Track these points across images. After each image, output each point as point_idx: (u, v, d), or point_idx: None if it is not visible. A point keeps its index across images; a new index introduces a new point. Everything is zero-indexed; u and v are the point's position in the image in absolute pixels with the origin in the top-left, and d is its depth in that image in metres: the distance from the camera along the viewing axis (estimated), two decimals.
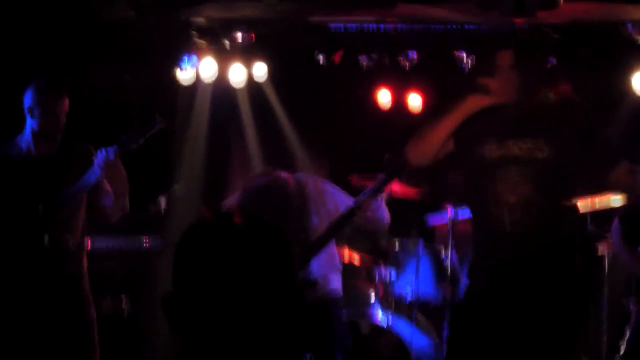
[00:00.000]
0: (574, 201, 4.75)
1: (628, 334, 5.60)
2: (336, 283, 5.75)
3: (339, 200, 6.01)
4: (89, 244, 7.30)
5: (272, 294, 1.94)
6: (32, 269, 5.32)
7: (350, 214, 5.74)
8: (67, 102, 5.46)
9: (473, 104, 4.66)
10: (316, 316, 5.44)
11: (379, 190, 5.77)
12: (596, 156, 4.63)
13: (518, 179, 4.55)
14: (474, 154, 4.69)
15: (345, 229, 5.86)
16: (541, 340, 4.57)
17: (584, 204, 6.07)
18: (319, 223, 5.83)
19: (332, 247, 5.97)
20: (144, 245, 7.59)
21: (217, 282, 1.92)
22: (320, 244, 5.66)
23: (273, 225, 2.01)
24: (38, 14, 7.19)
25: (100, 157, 5.19)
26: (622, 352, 5.86)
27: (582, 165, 4.59)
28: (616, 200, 5.88)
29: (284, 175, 5.80)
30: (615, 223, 5.50)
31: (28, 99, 5.41)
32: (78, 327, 5.46)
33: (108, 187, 5.45)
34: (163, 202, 7.91)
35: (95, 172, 5.21)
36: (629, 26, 7.74)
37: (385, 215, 6.05)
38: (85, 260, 5.58)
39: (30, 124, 5.43)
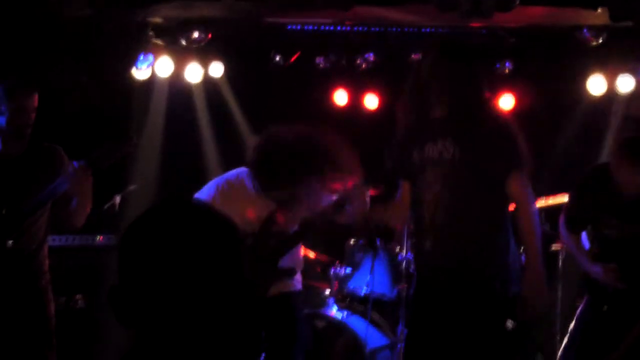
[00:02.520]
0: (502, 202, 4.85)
1: (571, 325, 5.68)
2: (299, 276, 5.75)
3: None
4: None
5: (218, 286, 1.91)
6: None
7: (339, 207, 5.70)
8: (36, 99, 5.37)
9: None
10: (280, 307, 5.45)
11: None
12: (495, 162, 4.74)
13: (431, 178, 4.76)
14: (407, 162, 4.93)
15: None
16: (474, 335, 4.70)
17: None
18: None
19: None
20: (98, 243, 7.55)
21: (162, 273, 1.89)
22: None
23: (223, 216, 1.99)
24: None
25: (71, 170, 5.12)
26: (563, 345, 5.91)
27: (484, 168, 4.72)
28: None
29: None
30: (561, 216, 5.61)
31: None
32: (36, 324, 5.40)
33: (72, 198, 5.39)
34: (118, 200, 7.87)
35: (64, 182, 5.15)
36: (584, 30, 7.84)
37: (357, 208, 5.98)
38: (46, 260, 5.52)
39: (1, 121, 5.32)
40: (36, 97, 5.33)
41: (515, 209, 4.84)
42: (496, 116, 4.96)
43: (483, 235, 4.74)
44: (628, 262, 5.25)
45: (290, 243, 5.30)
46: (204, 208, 2.02)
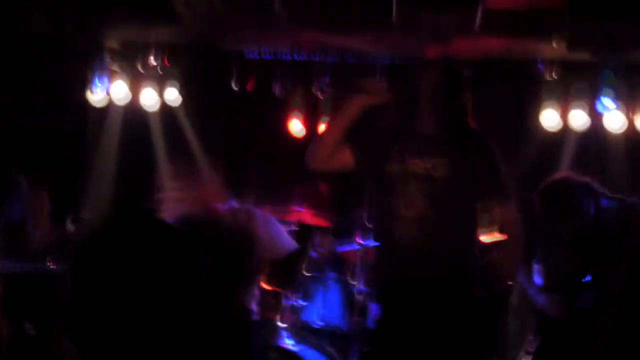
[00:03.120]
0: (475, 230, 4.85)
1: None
2: (255, 306, 5.71)
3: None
4: None
5: (172, 302, 1.89)
6: None
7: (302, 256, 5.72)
8: None
9: (355, 104, 4.80)
10: (237, 334, 5.39)
11: None
12: (488, 188, 4.75)
13: (414, 194, 4.66)
14: (376, 170, 4.79)
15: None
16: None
17: (486, 236, 6.13)
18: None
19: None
20: (50, 269, 7.45)
21: (113, 288, 1.86)
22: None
23: (175, 229, 1.96)
24: None
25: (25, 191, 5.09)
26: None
27: (475, 191, 4.71)
28: None
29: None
30: None
31: None
32: None
33: None
34: (70, 225, 7.78)
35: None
36: (538, 64, 7.89)
37: (285, 241, 5.99)
38: None
39: None
40: None
41: (505, 232, 4.84)
42: (486, 142, 4.92)
43: (463, 259, 4.71)
44: (573, 294, 5.28)
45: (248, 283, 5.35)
46: (157, 221, 1.99)
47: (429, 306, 4.69)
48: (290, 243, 5.97)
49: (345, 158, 4.88)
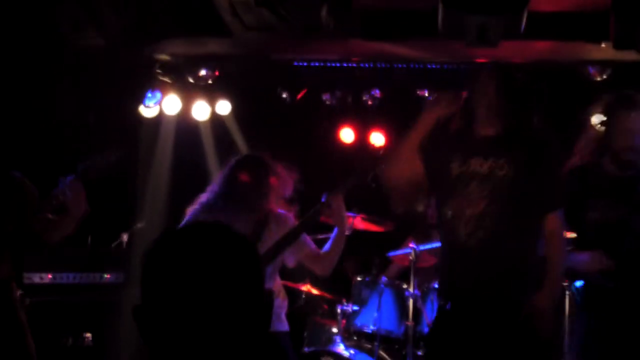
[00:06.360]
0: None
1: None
2: (283, 316, 5.76)
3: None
4: (49, 277, 7.29)
5: (239, 304, 1.94)
6: None
7: (318, 211, 5.74)
8: None
9: (431, 115, 4.83)
10: (269, 347, 5.42)
11: (346, 185, 5.82)
12: (551, 192, 4.74)
13: (476, 193, 4.68)
14: (440, 173, 4.80)
15: (308, 227, 5.81)
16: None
17: None
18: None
19: (277, 280, 5.94)
20: (106, 280, 7.56)
21: (185, 291, 1.92)
22: (283, 245, 5.64)
23: (242, 236, 2.02)
24: (3, 37, 7.16)
25: (61, 186, 5.15)
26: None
27: (538, 193, 4.70)
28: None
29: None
30: None
31: None
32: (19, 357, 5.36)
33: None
34: (125, 238, 7.89)
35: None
36: (588, 66, 7.86)
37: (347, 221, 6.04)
38: (16, 290, 5.45)
39: None
40: None
41: (547, 239, 4.81)
42: (550, 143, 4.90)
43: (522, 259, 4.69)
44: (612, 248, 5.18)
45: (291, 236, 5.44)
46: (224, 229, 2.04)
47: (489, 308, 4.68)
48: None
49: (417, 168, 4.91)
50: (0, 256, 5.26)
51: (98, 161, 5.23)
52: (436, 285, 6.45)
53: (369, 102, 8.81)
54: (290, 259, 5.77)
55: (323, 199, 5.72)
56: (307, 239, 5.75)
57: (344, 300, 7.26)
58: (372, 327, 6.98)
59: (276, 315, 5.61)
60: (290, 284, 7.11)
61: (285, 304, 5.88)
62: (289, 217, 5.75)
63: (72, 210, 5.26)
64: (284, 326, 5.75)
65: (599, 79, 7.89)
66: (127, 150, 5.55)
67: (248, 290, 1.97)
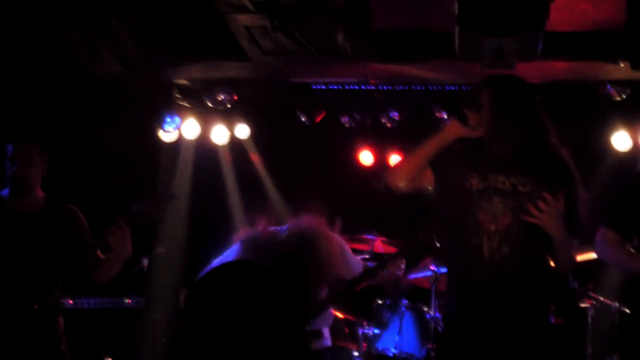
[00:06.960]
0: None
1: None
2: (327, 334, 5.74)
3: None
4: (70, 302, 7.31)
5: (279, 342, 1.96)
6: (13, 328, 5.24)
7: (371, 273, 5.76)
8: (40, 152, 5.38)
9: (450, 131, 4.78)
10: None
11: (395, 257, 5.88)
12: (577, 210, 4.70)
13: (500, 209, 4.63)
14: (457, 188, 4.75)
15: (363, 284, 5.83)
16: None
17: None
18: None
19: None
20: (127, 304, 7.57)
21: (222, 327, 1.94)
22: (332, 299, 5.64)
23: (282, 275, 2.03)
24: (24, 67, 7.21)
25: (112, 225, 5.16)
26: None
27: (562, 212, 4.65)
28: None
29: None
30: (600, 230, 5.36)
31: (7, 151, 5.37)
32: None
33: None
34: (146, 263, 7.90)
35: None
36: (607, 85, 7.83)
37: (351, 262, 6.03)
38: (61, 320, 5.48)
39: (8, 174, 5.37)
40: (41, 151, 5.39)
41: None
42: (567, 170, 4.87)
43: (540, 277, 4.68)
44: None
45: (320, 308, 5.30)
46: (268, 268, 2.06)
47: (508, 323, 4.65)
48: (357, 266, 5.98)
49: (427, 179, 4.88)
50: (52, 286, 5.29)
51: (147, 206, 5.21)
52: None
53: (388, 124, 8.79)
54: None
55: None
56: None
57: (365, 323, 7.24)
58: (393, 351, 6.96)
59: (326, 333, 5.64)
60: None
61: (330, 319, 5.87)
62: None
63: (118, 252, 5.24)
64: (327, 342, 5.74)
65: (618, 98, 7.86)
66: (176, 197, 5.53)
67: (287, 332, 1.98)
